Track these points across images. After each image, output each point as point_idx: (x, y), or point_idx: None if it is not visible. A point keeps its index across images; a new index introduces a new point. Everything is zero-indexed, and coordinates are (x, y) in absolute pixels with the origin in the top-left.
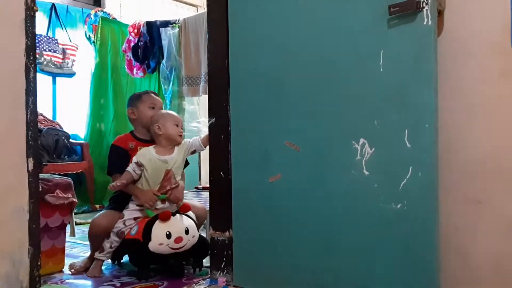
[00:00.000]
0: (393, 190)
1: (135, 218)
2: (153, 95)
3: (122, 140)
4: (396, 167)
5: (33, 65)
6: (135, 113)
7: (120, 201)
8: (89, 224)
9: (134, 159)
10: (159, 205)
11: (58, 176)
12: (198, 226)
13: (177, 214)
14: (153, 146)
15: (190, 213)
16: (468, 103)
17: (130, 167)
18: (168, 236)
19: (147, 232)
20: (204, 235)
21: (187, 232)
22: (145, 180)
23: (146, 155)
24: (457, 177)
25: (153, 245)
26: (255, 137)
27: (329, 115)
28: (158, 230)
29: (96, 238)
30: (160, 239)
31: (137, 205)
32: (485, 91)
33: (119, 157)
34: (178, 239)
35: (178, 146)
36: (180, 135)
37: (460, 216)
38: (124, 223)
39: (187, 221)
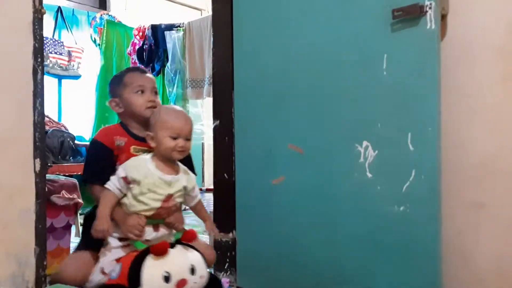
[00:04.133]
0: (396, 193)
1: (118, 261)
2: (138, 73)
3: (106, 134)
4: (399, 170)
5: (40, 67)
6: (120, 105)
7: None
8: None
9: (121, 171)
10: (151, 234)
11: (64, 177)
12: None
13: (178, 245)
14: (150, 155)
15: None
16: (471, 107)
17: (113, 184)
18: (167, 279)
19: (134, 274)
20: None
21: (192, 271)
22: (135, 202)
23: (140, 168)
24: (460, 179)
25: None
26: (259, 139)
27: (332, 117)
28: (152, 270)
29: None
30: (154, 284)
31: (120, 239)
32: (489, 94)
33: (99, 159)
34: (181, 283)
35: (184, 170)
36: (180, 151)
37: (463, 219)
38: (102, 272)
39: (192, 255)
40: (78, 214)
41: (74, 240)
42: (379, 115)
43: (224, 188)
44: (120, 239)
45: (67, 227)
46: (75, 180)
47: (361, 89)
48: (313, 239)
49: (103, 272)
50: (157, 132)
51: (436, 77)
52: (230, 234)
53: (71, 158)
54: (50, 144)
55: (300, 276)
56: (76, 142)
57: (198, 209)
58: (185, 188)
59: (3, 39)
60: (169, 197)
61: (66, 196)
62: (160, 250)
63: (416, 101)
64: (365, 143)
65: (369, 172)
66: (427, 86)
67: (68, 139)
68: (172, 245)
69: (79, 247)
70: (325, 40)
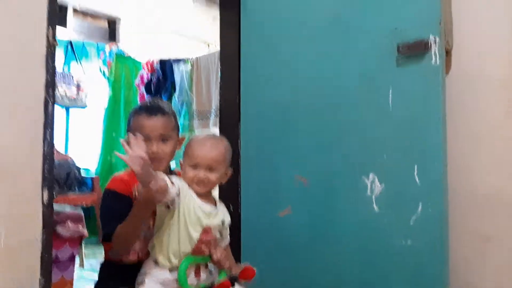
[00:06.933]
0: (403, 226)
1: None
2: (144, 115)
3: (123, 182)
4: (406, 203)
5: (51, 99)
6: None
7: (123, 275)
8: None
9: (175, 183)
10: (193, 281)
11: (69, 207)
12: None
13: (236, 285)
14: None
15: None
16: (476, 140)
17: (170, 182)
18: None
19: None
20: None
21: None
22: (176, 232)
23: (184, 187)
24: (466, 212)
25: None
26: (265, 171)
27: (339, 149)
28: None
29: None
30: None
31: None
32: (494, 127)
33: (121, 209)
34: None
35: (220, 203)
36: (200, 182)
37: (470, 252)
38: None
39: None
40: (83, 246)
41: (78, 272)
42: (385, 147)
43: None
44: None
45: (71, 259)
46: (80, 211)
47: (367, 121)
48: (320, 272)
49: None
50: (183, 160)
51: (441, 111)
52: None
53: (76, 189)
54: (56, 175)
55: None
56: (82, 173)
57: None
58: (223, 223)
59: (17, 72)
60: (208, 229)
61: (71, 227)
62: None
63: (421, 134)
64: (371, 175)
65: (376, 205)
66: (433, 120)
67: (75, 170)
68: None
69: None
70: (331, 73)
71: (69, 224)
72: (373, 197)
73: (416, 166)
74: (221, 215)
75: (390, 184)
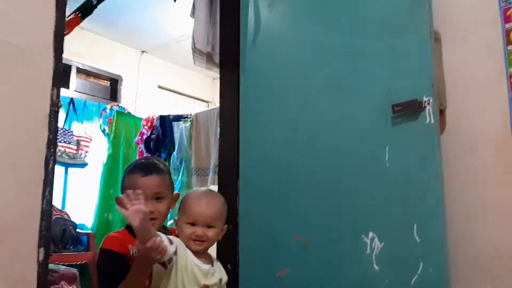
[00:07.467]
0: (405, 287)
1: None
2: (139, 176)
3: (118, 241)
4: (407, 263)
5: (52, 157)
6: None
7: None
8: None
9: (173, 241)
10: None
11: (64, 267)
12: None
13: None
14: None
15: None
16: (475, 198)
17: (168, 241)
18: None
19: None
20: None
21: None
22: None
23: (181, 247)
24: (467, 272)
25: None
26: (264, 230)
27: (337, 208)
28: None
29: None
30: None
31: None
32: (491, 186)
33: (119, 268)
34: None
35: (217, 261)
36: (197, 241)
37: None
38: None
39: None
40: None
41: None
42: (383, 205)
43: (227, 281)
44: None
45: None
46: (75, 270)
47: (365, 180)
48: None
49: None
50: (179, 218)
51: (437, 169)
52: None
53: (71, 247)
54: (52, 232)
55: None
56: (78, 230)
57: None
58: (220, 281)
59: (20, 131)
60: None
61: (65, 287)
62: None
63: (419, 192)
64: (371, 234)
65: (376, 265)
66: (430, 178)
67: (70, 227)
68: None
69: None
70: (328, 133)
71: (64, 284)
72: (373, 256)
73: (415, 225)
74: (218, 274)
75: (390, 243)
